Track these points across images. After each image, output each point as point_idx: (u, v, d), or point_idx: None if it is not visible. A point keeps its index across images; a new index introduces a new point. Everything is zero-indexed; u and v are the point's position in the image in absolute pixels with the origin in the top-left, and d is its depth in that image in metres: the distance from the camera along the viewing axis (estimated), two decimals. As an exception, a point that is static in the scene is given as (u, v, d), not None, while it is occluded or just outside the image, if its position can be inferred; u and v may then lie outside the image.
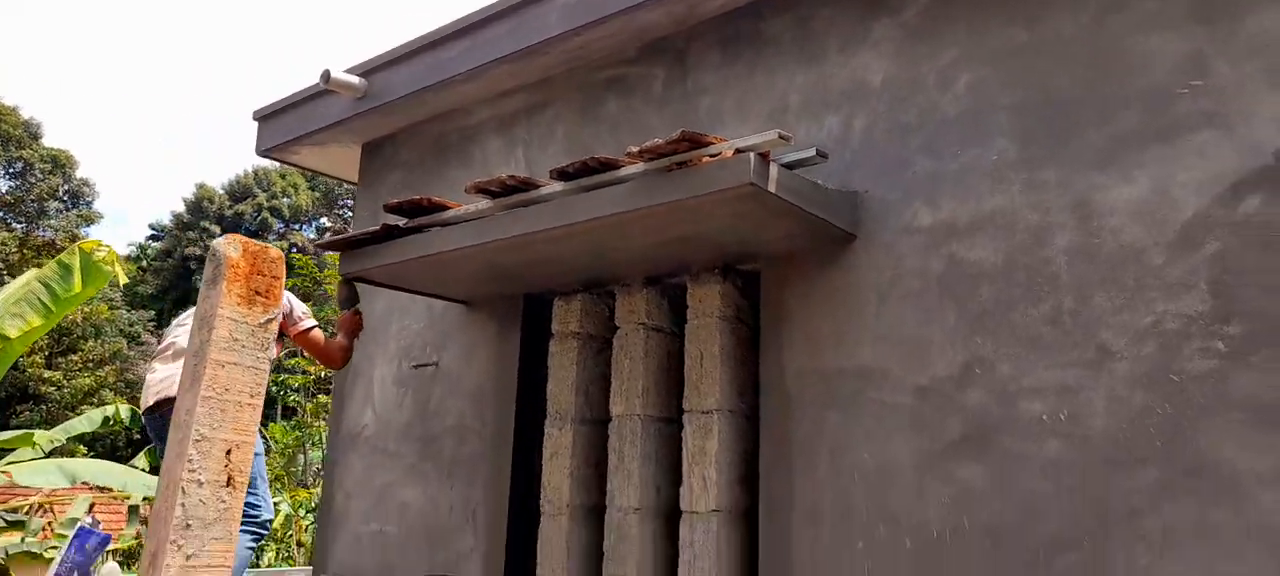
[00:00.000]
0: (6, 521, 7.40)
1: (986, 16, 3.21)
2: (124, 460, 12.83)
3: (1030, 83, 3.07)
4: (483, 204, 3.54)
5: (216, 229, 35.30)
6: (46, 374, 19.77)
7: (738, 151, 2.85)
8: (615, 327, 3.95)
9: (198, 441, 1.51)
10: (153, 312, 28.35)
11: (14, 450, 8.10)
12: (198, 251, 34.40)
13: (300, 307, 3.95)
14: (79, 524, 5.57)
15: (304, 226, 38.90)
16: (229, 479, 1.56)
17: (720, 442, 3.44)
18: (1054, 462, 2.72)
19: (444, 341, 4.58)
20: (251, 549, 3.55)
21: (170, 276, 32.14)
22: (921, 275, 3.15)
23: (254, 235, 36.46)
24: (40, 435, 8.23)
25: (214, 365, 1.55)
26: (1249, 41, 2.69)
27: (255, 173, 37.97)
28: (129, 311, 26.21)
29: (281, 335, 3.91)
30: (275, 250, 1.66)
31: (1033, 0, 3.12)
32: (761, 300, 3.56)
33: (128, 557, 8.63)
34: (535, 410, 4.19)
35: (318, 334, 4.04)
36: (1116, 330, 2.71)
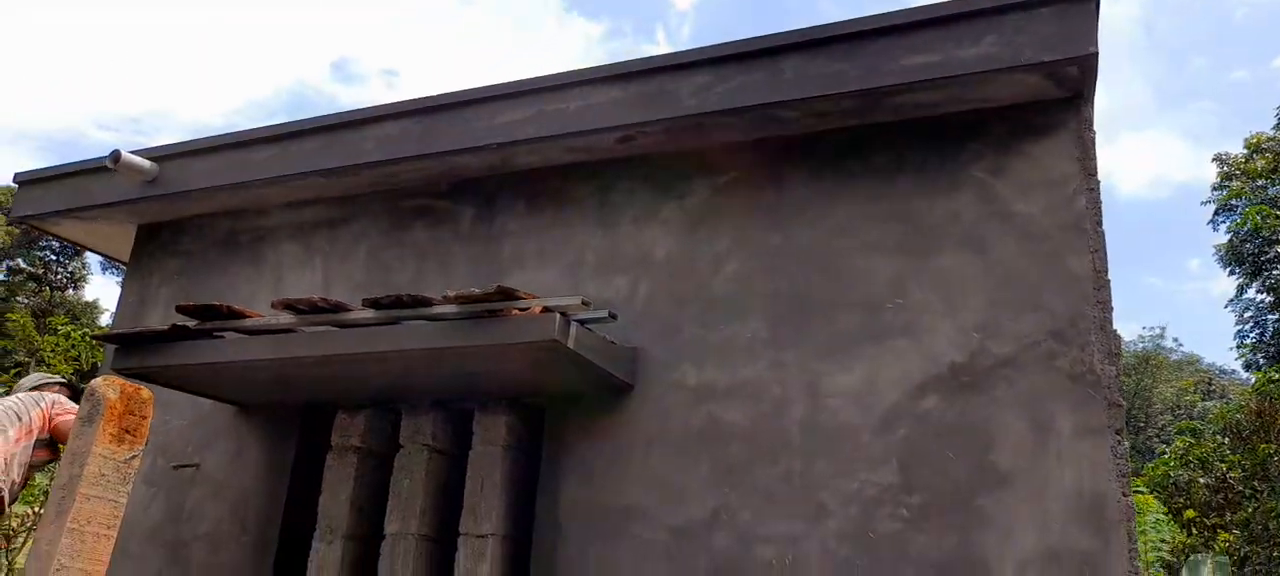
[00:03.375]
0: None
1: (751, 218, 3.90)
2: None
3: (781, 279, 3.77)
4: (284, 317, 3.64)
5: (-125, 255, 29.84)
6: None
7: (546, 309, 3.25)
8: (398, 445, 4.11)
9: (58, 570, 1.60)
10: None
11: None
12: None
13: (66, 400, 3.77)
14: None
15: (-8, 266, 33.81)
16: (80, 609, 1.64)
17: (492, 566, 3.70)
18: (779, 601, 3.29)
19: (209, 442, 4.46)
20: None
21: None
22: (684, 429, 3.68)
23: (-75, 269, 31.17)
24: None
25: (81, 499, 1.64)
26: (934, 276, 3.54)
27: (-62, 197, 32.70)
28: None
29: (50, 443, 3.73)
30: (147, 392, 1.79)
31: (785, 213, 3.86)
32: (545, 434, 3.92)
33: None
34: (303, 522, 4.20)
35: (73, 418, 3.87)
36: (832, 492, 3.37)
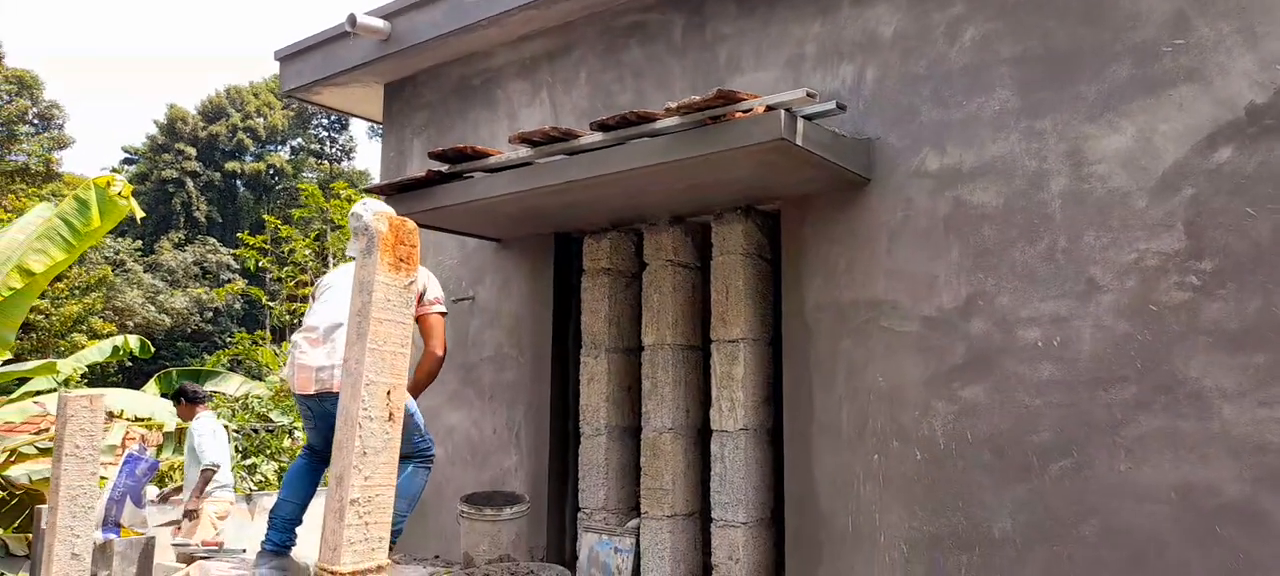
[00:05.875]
0: (38, 449, 7.70)
1: (991, -26, 3.48)
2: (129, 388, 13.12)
3: (1030, 37, 3.36)
4: (522, 151, 3.81)
5: (191, 150, 34.84)
6: (36, 302, 19.89)
7: (769, 108, 3.14)
8: (643, 263, 4.27)
9: (368, 385, 1.84)
10: (138, 241, 28.21)
11: (33, 379, 8.40)
12: (174, 174, 34.01)
13: (435, 289, 3.57)
14: (128, 451, 5.88)
15: (278, 147, 38.48)
16: (390, 414, 1.89)
17: (746, 368, 3.82)
18: (1047, 382, 3.13)
19: (478, 277, 4.89)
20: (426, 477, 3.61)
21: (148, 200, 31.81)
22: (929, 216, 3.49)
23: (230, 156, 36.01)
24: (61, 364, 8.54)
25: (375, 322, 1.86)
26: (1226, 4, 2.99)
27: (227, 92, 37.31)
28: (112, 238, 26.13)
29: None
30: (411, 223, 1.96)
31: (1034, -40, 3.39)
32: (782, 238, 3.89)
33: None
34: (568, 339, 4.55)
35: (437, 320, 3.57)
36: (1103, 266, 3.08)
